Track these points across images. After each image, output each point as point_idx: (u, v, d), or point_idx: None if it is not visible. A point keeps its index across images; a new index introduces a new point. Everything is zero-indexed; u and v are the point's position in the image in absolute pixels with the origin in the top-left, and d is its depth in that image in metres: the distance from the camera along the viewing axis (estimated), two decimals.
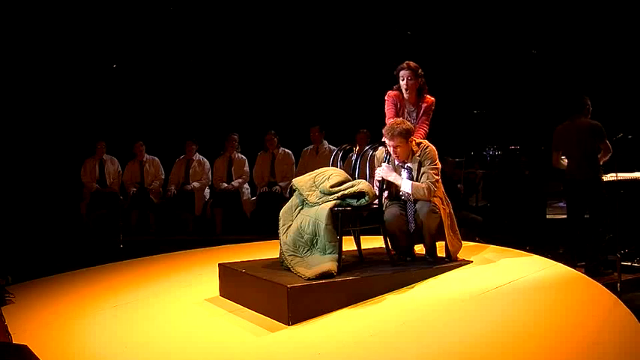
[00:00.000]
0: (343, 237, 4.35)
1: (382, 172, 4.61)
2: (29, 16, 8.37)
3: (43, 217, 8.25)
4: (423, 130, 4.94)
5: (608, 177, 5.64)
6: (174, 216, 8.54)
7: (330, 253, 4.24)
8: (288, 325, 3.83)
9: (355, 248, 4.77)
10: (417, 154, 4.56)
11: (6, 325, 3.42)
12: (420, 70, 4.91)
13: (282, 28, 8.81)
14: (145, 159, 8.77)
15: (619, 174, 5.55)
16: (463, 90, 8.04)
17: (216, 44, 9.09)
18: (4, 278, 5.28)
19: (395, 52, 8.56)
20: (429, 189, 4.45)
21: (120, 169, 8.87)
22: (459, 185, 7.18)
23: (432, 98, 5.00)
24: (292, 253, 4.36)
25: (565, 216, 6.13)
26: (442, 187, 4.68)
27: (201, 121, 9.18)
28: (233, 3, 8.82)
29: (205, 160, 8.63)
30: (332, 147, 7.90)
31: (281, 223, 4.57)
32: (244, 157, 8.52)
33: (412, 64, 4.91)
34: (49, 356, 3.52)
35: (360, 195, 4.41)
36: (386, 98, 5.04)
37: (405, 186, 4.52)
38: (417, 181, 4.53)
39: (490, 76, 8.25)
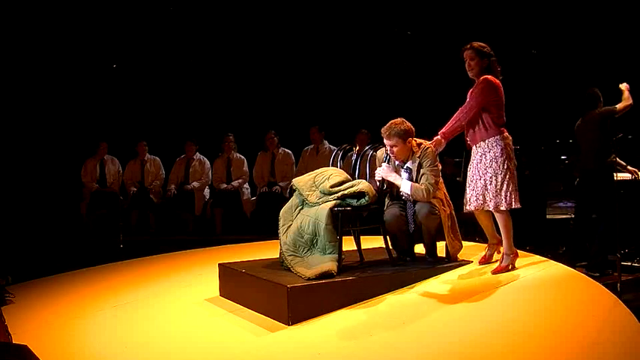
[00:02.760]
0: (343, 237, 4.35)
1: (382, 172, 4.61)
2: (29, 16, 8.37)
3: (43, 217, 8.25)
4: (451, 120, 4.49)
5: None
6: (174, 216, 8.54)
7: (330, 253, 4.24)
8: (288, 325, 3.83)
9: (355, 248, 4.77)
10: (417, 155, 4.55)
11: (6, 325, 3.42)
12: (486, 49, 4.40)
13: (281, 28, 8.80)
14: (146, 158, 8.78)
15: (619, 174, 5.56)
16: (463, 90, 8.02)
17: (216, 44, 9.08)
18: (4, 278, 5.28)
19: (395, 52, 8.57)
20: (427, 190, 4.43)
21: (120, 169, 8.87)
22: (457, 178, 7.18)
23: (486, 76, 4.36)
24: (292, 253, 4.36)
25: (565, 216, 6.13)
26: (444, 188, 4.67)
27: (201, 121, 9.18)
28: (233, 3, 8.82)
29: (206, 159, 8.63)
30: (332, 147, 7.90)
31: (281, 223, 4.58)
32: (243, 157, 8.52)
33: (476, 43, 4.42)
34: (49, 356, 3.52)
35: (360, 195, 4.41)
36: None
37: (405, 187, 4.51)
38: (416, 181, 4.53)
39: None
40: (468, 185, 4.46)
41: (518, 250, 5.03)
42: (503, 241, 4.42)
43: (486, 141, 4.34)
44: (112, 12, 8.63)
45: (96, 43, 8.81)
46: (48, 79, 8.75)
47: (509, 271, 4.37)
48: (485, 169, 4.32)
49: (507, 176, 4.28)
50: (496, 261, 4.55)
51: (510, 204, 4.29)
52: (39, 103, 8.78)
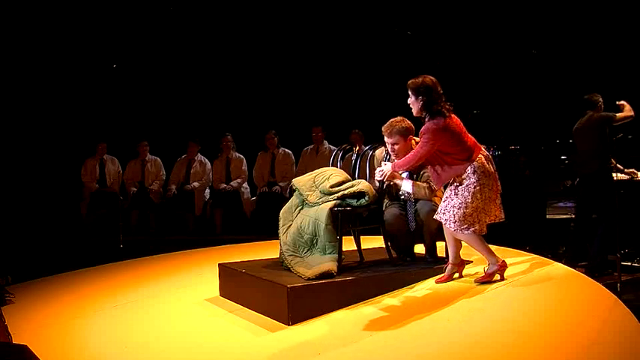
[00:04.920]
0: (343, 237, 4.35)
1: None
2: (29, 16, 8.37)
3: (43, 217, 8.25)
4: (406, 160, 4.16)
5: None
6: (174, 216, 8.54)
7: (330, 253, 4.24)
8: (288, 325, 3.83)
9: (355, 248, 4.77)
10: None
11: (6, 325, 3.41)
12: (421, 87, 4.05)
13: (282, 28, 8.80)
14: (147, 158, 8.78)
15: (618, 174, 5.56)
16: (463, 90, 8.03)
17: (216, 44, 9.08)
18: (4, 278, 5.29)
19: (395, 52, 8.57)
20: (430, 188, 4.45)
21: (120, 169, 8.87)
22: None
23: (427, 124, 4.05)
24: (292, 253, 4.36)
25: (565, 216, 6.13)
26: (442, 188, 4.67)
27: (201, 121, 9.18)
28: (233, 3, 8.82)
29: (207, 161, 8.62)
30: (332, 147, 7.90)
31: (281, 223, 4.58)
32: (242, 157, 8.52)
33: (411, 81, 4.11)
34: (49, 356, 3.52)
35: (360, 195, 4.41)
36: None
37: (406, 185, 4.51)
38: (417, 180, 4.53)
39: (490, 76, 8.25)
40: (443, 200, 4.23)
41: (518, 251, 5.02)
42: (484, 257, 4.23)
43: (457, 177, 4.10)
44: (112, 12, 8.63)
45: (96, 43, 8.81)
46: (48, 79, 8.75)
47: (497, 281, 4.17)
48: (457, 192, 4.09)
49: (478, 203, 4.05)
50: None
51: (480, 230, 4.09)
52: (39, 103, 8.78)
